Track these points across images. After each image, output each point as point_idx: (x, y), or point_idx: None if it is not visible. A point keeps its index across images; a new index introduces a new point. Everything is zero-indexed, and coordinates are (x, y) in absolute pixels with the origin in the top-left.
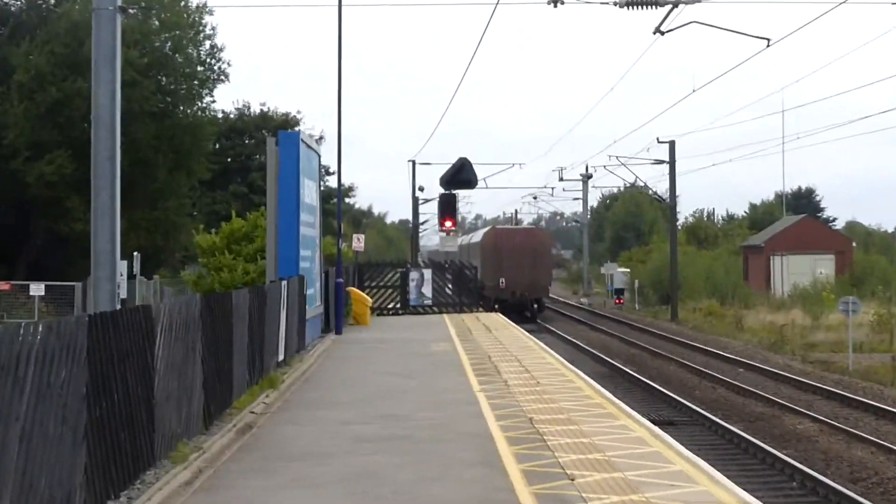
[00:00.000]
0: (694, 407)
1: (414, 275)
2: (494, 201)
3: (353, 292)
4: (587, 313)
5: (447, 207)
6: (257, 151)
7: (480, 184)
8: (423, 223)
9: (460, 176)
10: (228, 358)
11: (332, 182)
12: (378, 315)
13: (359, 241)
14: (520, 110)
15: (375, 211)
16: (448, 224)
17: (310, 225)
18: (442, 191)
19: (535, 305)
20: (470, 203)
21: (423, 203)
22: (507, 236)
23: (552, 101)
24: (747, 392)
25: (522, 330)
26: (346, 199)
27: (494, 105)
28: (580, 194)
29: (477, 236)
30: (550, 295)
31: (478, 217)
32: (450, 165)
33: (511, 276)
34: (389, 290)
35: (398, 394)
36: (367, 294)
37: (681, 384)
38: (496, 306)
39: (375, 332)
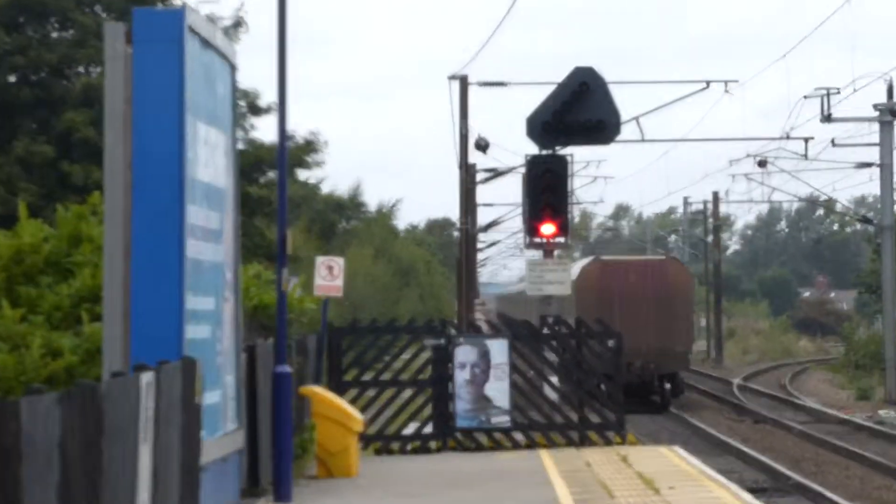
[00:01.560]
0: None
1: (466, 353)
2: (660, 173)
3: (318, 398)
4: None
5: (546, 189)
6: (81, 58)
7: (627, 131)
8: (484, 229)
9: (579, 114)
10: None
11: (265, 130)
12: (378, 452)
13: (331, 274)
14: None
15: (371, 202)
16: (548, 229)
17: (211, 236)
18: (535, 151)
19: (668, 385)
20: (601, 178)
21: (484, 180)
22: (620, 273)
23: None
24: None
25: (738, 490)
26: (301, 172)
27: None
28: (873, 154)
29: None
30: (812, 405)
31: (621, 211)
32: (554, 89)
33: (627, 338)
34: (405, 393)
35: None
36: (352, 401)
37: None
38: (600, 386)
39: (372, 500)
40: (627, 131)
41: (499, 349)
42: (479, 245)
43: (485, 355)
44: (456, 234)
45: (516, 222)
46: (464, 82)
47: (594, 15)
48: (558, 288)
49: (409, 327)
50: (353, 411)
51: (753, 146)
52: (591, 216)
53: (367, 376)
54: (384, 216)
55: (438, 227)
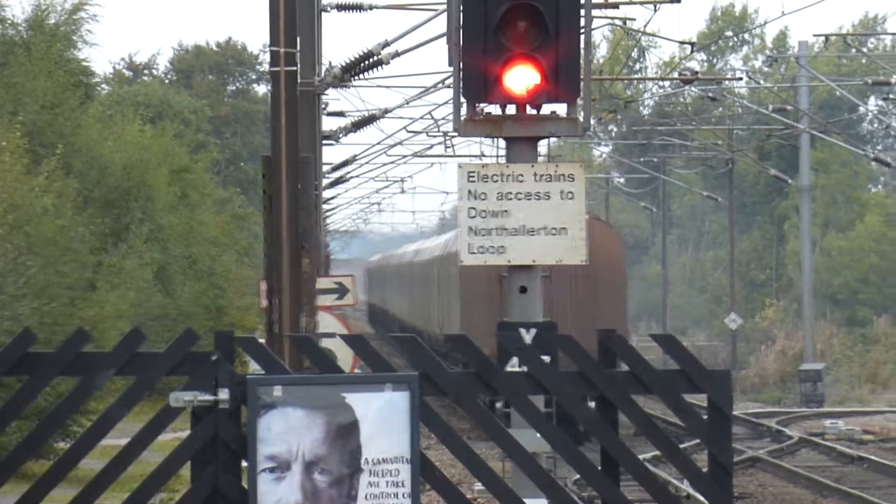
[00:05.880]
0: None
1: (286, 429)
2: None
3: None
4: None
5: None
6: None
7: None
8: (342, 79)
9: None
10: None
11: None
12: None
13: None
14: None
15: None
16: (522, 76)
17: None
18: None
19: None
20: None
21: None
22: None
23: None
24: None
25: None
26: None
27: None
28: None
29: (437, 243)
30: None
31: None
32: None
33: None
34: None
35: None
36: None
37: None
38: None
39: None
40: None
41: (383, 415)
42: (329, 124)
43: (343, 433)
44: (261, 87)
45: (430, 60)
46: None
47: None
48: (553, 247)
49: (120, 352)
50: None
51: None
52: (633, 36)
53: None
54: (40, 25)
55: (211, 60)
